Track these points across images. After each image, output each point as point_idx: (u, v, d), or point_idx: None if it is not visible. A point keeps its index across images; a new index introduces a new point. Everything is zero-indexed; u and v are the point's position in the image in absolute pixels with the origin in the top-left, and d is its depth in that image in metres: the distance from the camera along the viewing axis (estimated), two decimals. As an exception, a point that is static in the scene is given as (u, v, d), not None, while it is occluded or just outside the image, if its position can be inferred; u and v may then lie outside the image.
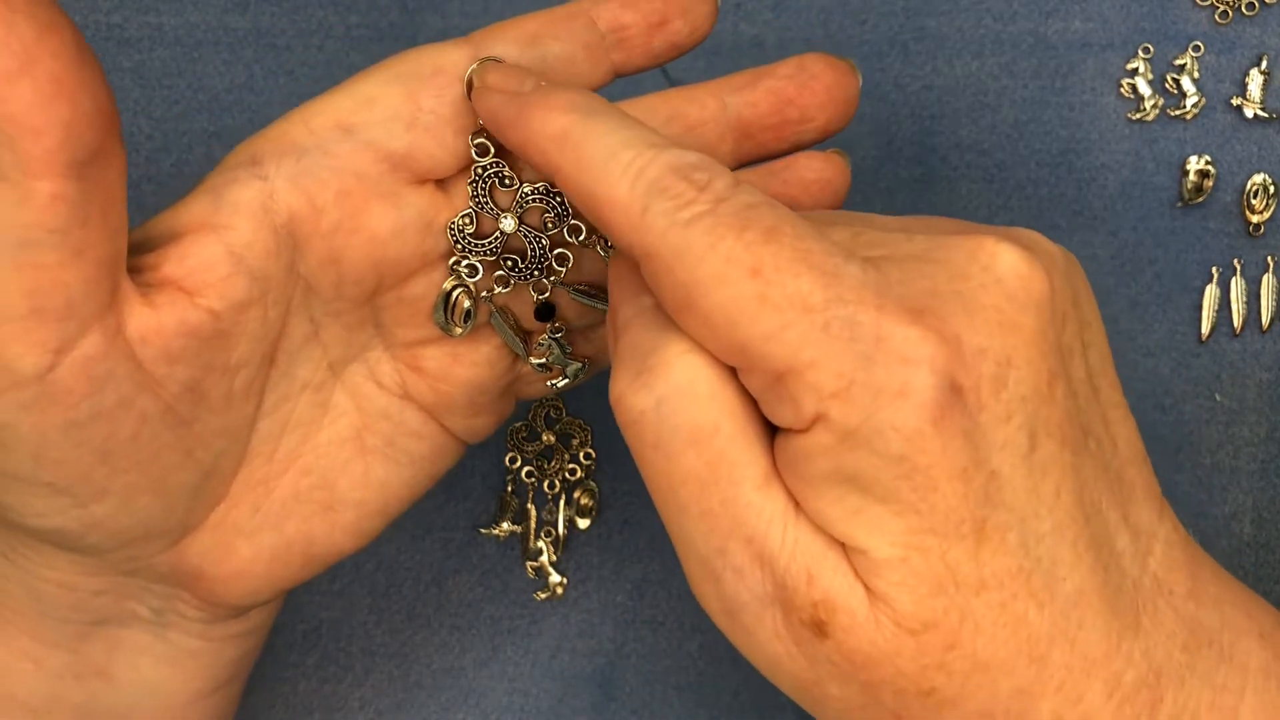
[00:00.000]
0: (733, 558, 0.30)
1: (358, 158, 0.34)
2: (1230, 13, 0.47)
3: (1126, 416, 0.33)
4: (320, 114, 0.34)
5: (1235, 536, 0.47)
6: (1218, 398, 0.48)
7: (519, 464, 0.48)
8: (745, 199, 0.29)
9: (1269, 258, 0.47)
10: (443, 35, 0.44)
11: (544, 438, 0.48)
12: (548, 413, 0.48)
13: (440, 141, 0.34)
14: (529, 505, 0.48)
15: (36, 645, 0.37)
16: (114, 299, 0.32)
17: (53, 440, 0.32)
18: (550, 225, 0.35)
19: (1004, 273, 0.29)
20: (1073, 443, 0.30)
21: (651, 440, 0.30)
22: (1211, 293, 0.47)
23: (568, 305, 0.37)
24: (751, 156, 0.35)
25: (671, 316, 0.30)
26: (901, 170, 0.48)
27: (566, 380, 0.38)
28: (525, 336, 0.37)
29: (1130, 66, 0.48)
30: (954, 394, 0.28)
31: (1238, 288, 0.47)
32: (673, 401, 0.30)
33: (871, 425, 0.28)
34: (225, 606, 0.37)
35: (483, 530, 0.48)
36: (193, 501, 0.35)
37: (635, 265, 0.31)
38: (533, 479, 0.48)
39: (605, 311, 0.36)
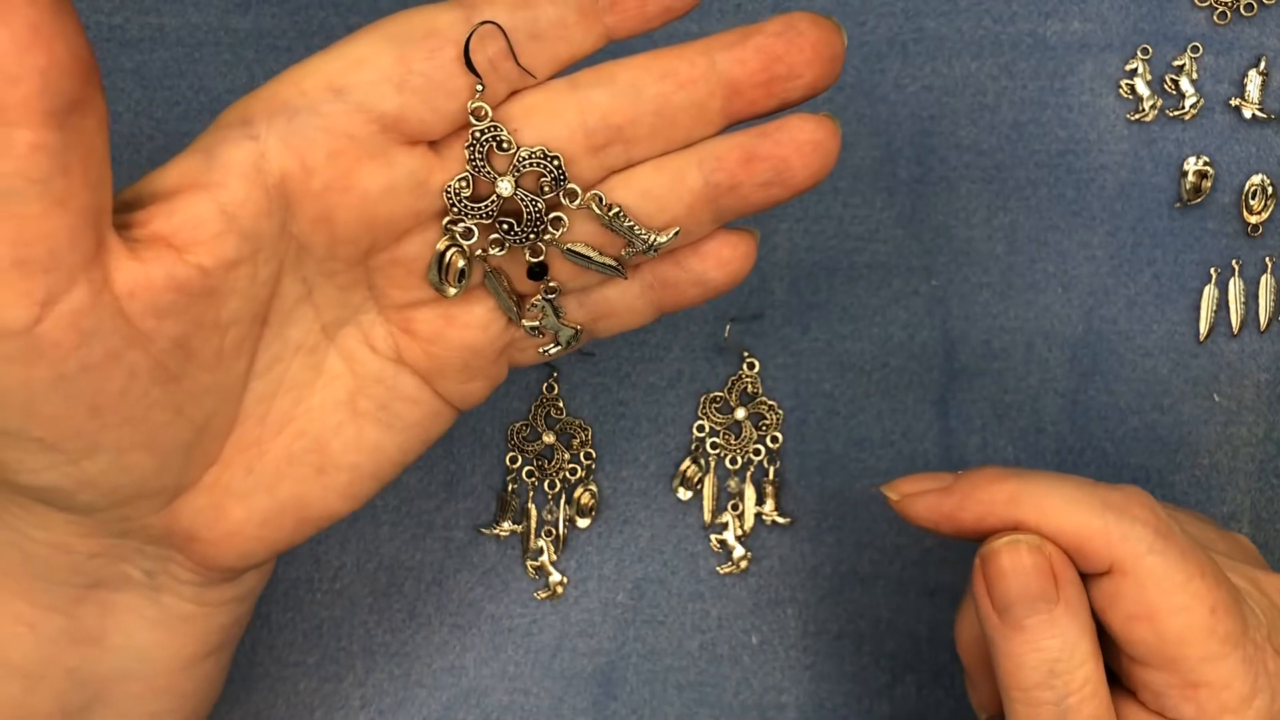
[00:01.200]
0: None
1: (348, 119, 0.34)
2: (1229, 14, 0.48)
3: None
4: (311, 75, 0.34)
5: (1234, 536, 0.48)
6: (1216, 398, 0.48)
7: (519, 463, 0.48)
8: (1186, 541, 0.37)
9: (1267, 258, 0.47)
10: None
11: (544, 437, 0.48)
12: (548, 412, 0.48)
13: (431, 104, 0.34)
14: (529, 505, 0.48)
15: (31, 609, 0.37)
16: (100, 252, 0.32)
17: (41, 394, 0.32)
18: (546, 189, 0.35)
19: None
20: None
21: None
22: (1210, 293, 0.47)
23: (562, 268, 0.37)
24: (741, 115, 0.35)
25: (1119, 614, 0.37)
26: (901, 170, 0.48)
27: (558, 347, 0.38)
28: (519, 300, 0.37)
29: (1129, 67, 0.48)
30: None
31: (1236, 288, 0.47)
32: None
33: None
34: (218, 569, 0.37)
35: (483, 530, 0.48)
36: (185, 460, 0.35)
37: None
38: (533, 478, 0.48)
39: (598, 273, 0.37)
